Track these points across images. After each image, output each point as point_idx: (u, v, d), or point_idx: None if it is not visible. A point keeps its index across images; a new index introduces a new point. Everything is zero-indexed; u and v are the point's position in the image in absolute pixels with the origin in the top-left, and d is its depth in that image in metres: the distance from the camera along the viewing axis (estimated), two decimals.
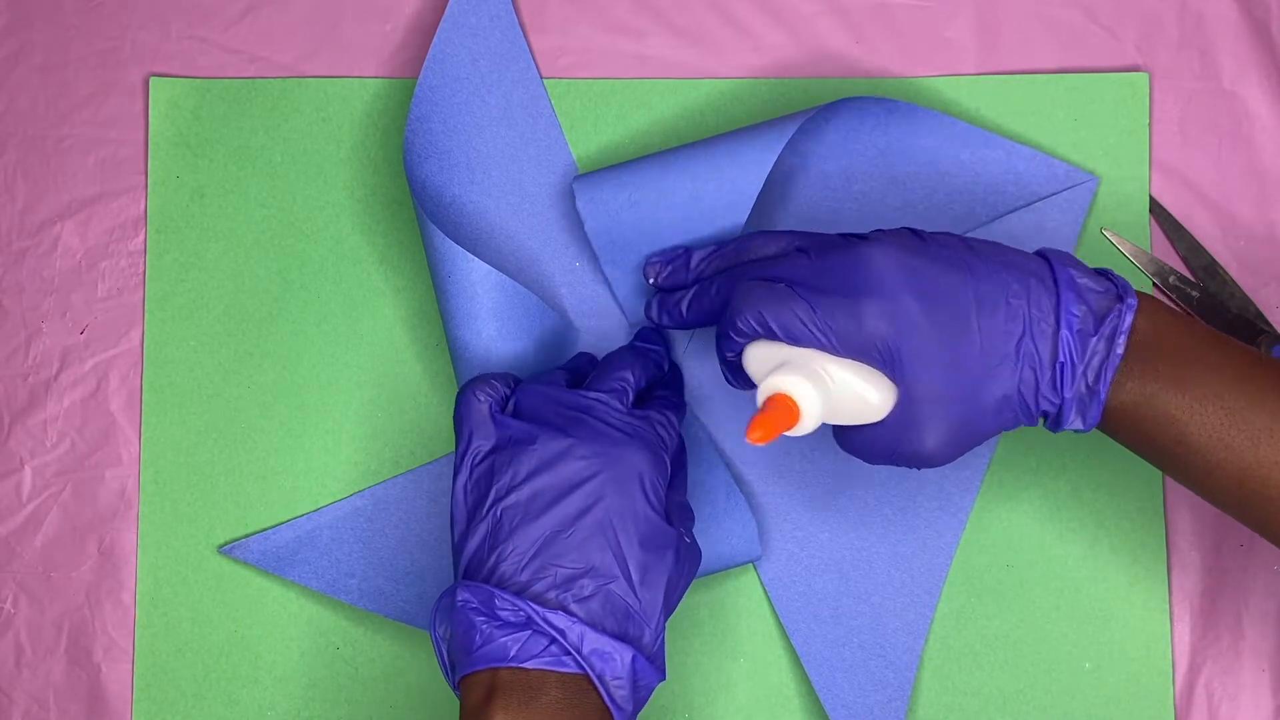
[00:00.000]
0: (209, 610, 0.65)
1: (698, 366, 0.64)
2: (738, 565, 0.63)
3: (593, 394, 0.54)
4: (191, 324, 0.66)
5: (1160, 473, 0.64)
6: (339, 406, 0.66)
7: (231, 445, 0.65)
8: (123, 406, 0.66)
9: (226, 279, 0.66)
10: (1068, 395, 0.51)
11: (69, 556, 0.65)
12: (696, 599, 0.64)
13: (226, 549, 0.64)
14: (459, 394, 0.55)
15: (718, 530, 0.62)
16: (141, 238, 0.67)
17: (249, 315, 0.66)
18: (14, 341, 0.66)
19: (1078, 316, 0.51)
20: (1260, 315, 0.65)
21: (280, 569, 0.64)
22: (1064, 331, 0.51)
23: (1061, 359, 0.51)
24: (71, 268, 0.67)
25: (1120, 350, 0.51)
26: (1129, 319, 0.51)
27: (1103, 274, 0.53)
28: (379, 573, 0.64)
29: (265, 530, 0.64)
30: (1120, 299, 0.52)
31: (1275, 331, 0.64)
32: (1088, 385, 0.51)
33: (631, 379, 0.56)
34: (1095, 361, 0.51)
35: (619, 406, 0.54)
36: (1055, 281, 0.52)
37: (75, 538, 0.65)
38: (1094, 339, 0.51)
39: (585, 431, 0.53)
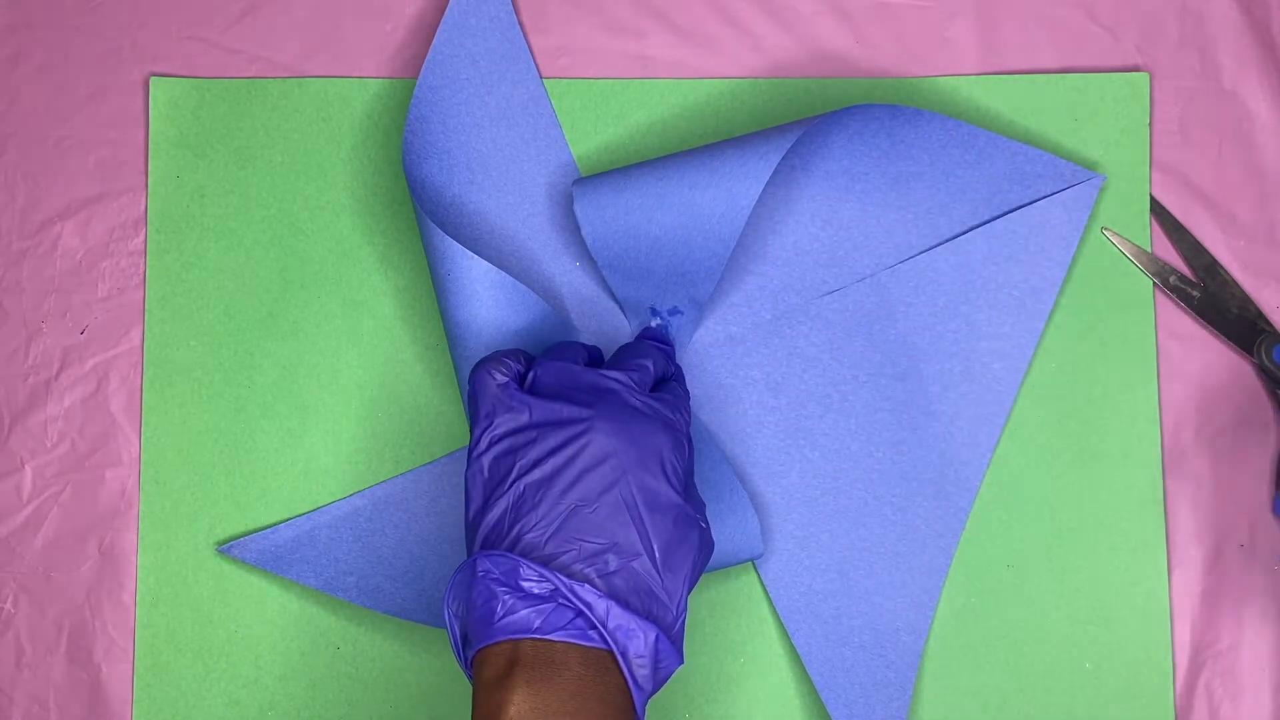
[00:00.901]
0: (209, 610, 0.65)
1: (700, 365, 0.64)
2: (739, 562, 0.63)
3: (614, 374, 0.54)
4: (191, 324, 0.66)
5: (1160, 471, 0.64)
6: (339, 406, 0.66)
7: (231, 445, 0.65)
8: (123, 406, 0.66)
9: (226, 279, 0.66)
10: None
11: (69, 556, 0.65)
12: (697, 599, 0.64)
13: (225, 548, 0.64)
14: (473, 372, 0.55)
15: (720, 527, 0.61)
16: (141, 238, 0.67)
17: (249, 315, 0.66)
18: (14, 341, 0.66)
19: None
20: (1260, 315, 0.65)
21: (279, 568, 0.64)
22: None
23: None
24: (71, 268, 0.67)
25: None
26: None
27: None
28: (378, 572, 0.64)
29: (265, 530, 0.64)
30: None
31: (1276, 331, 0.64)
32: None
33: (651, 366, 0.56)
34: None
35: (639, 388, 0.54)
36: None
37: (75, 538, 0.65)
38: None
39: (608, 409, 0.52)
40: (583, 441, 0.51)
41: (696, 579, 0.53)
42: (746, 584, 0.64)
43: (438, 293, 0.62)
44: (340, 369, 0.66)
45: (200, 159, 0.67)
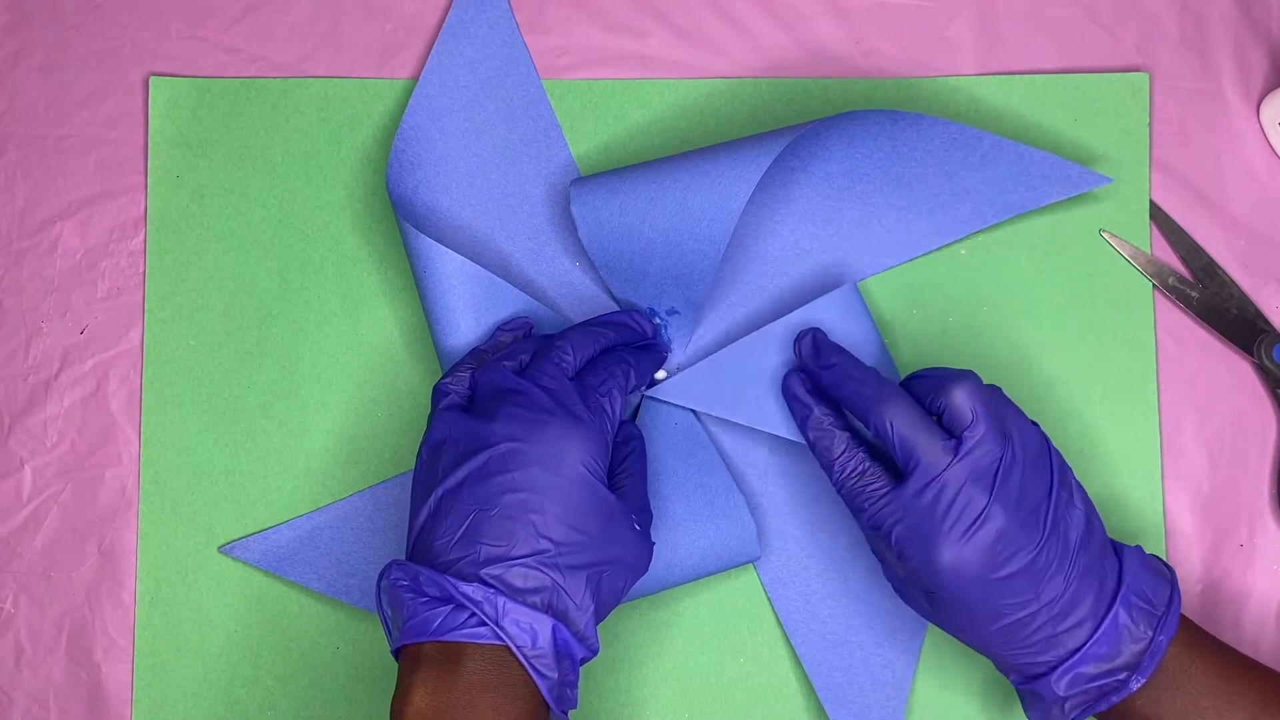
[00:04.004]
0: (209, 610, 0.65)
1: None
2: (737, 565, 0.63)
3: (528, 376, 0.56)
4: (191, 324, 0.66)
5: (1160, 471, 0.64)
6: (339, 406, 0.66)
7: (231, 445, 0.65)
8: (123, 406, 0.66)
9: (226, 279, 0.66)
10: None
11: (69, 556, 0.65)
12: (697, 599, 0.64)
13: (227, 548, 0.64)
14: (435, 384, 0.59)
15: (717, 531, 0.62)
16: (141, 238, 0.67)
17: (249, 315, 0.66)
18: (14, 341, 0.66)
19: None
20: (1260, 315, 0.65)
21: (281, 569, 0.64)
22: None
23: None
24: (71, 268, 0.67)
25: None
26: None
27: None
28: (379, 573, 0.63)
29: (266, 530, 0.64)
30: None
31: (1275, 331, 0.64)
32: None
33: (570, 354, 0.57)
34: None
35: (550, 385, 0.55)
36: None
37: (75, 538, 0.65)
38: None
39: (511, 413, 0.54)
40: (490, 449, 0.54)
41: (622, 577, 0.55)
42: (746, 584, 0.64)
43: (419, 290, 0.63)
44: (340, 369, 0.66)
45: (200, 159, 0.67)
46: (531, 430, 0.54)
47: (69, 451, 0.66)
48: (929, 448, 0.53)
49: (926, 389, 0.55)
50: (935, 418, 0.55)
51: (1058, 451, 0.55)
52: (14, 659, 0.65)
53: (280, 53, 0.68)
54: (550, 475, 0.53)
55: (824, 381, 0.59)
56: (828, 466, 0.57)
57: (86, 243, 0.67)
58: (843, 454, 0.57)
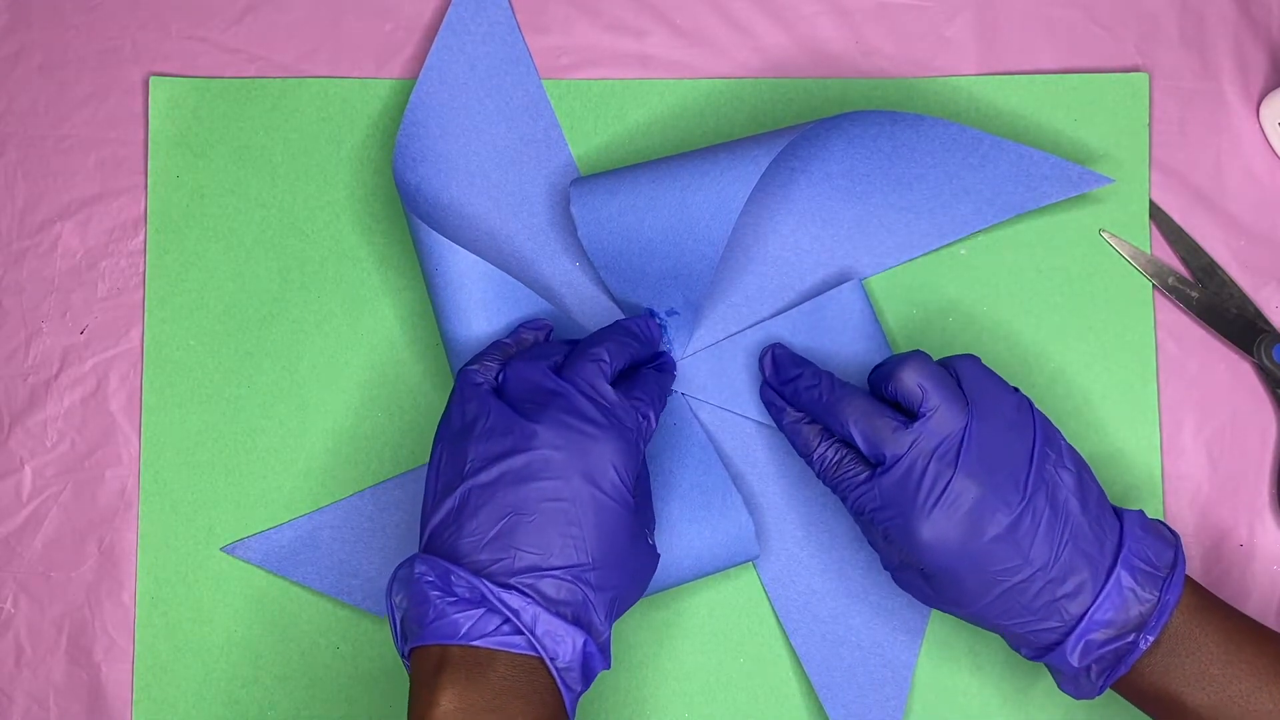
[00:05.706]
0: (209, 610, 0.65)
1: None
2: (736, 565, 0.63)
3: (568, 379, 0.55)
4: (191, 324, 0.66)
5: (1160, 471, 0.64)
6: (339, 406, 0.66)
7: (231, 445, 0.65)
8: (123, 406, 0.66)
9: (226, 279, 0.66)
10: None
11: (69, 556, 0.65)
12: (696, 599, 0.64)
13: (230, 548, 0.64)
14: (459, 370, 0.57)
15: (715, 531, 0.62)
16: (141, 238, 0.67)
17: (249, 315, 0.66)
18: (14, 341, 0.66)
19: None
20: (1259, 315, 0.65)
21: (283, 569, 0.64)
22: None
23: None
24: (71, 268, 0.67)
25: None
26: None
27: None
28: (381, 573, 0.64)
29: (267, 530, 0.64)
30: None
31: (1275, 331, 0.64)
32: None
33: (608, 358, 0.56)
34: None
35: (593, 393, 0.55)
36: None
37: (75, 538, 0.65)
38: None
39: (557, 418, 0.53)
40: (526, 451, 0.52)
41: (635, 590, 0.55)
42: (746, 584, 0.64)
43: (428, 288, 0.62)
44: (340, 369, 0.66)
45: (200, 159, 0.67)
46: (580, 441, 0.53)
47: (69, 451, 0.66)
48: (887, 434, 0.54)
49: (881, 378, 0.57)
50: (896, 405, 0.56)
51: (1043, 415, 0.56)
52: (14, 659, 0.65)
53: (280, 53, 0.68)
54: (593, 489, 0.52)
55: (787, 397, 0.60)
56: (808, 460, 0.58)
57: (86, 243, 0.67)
58: (819, 446, 0.58)
